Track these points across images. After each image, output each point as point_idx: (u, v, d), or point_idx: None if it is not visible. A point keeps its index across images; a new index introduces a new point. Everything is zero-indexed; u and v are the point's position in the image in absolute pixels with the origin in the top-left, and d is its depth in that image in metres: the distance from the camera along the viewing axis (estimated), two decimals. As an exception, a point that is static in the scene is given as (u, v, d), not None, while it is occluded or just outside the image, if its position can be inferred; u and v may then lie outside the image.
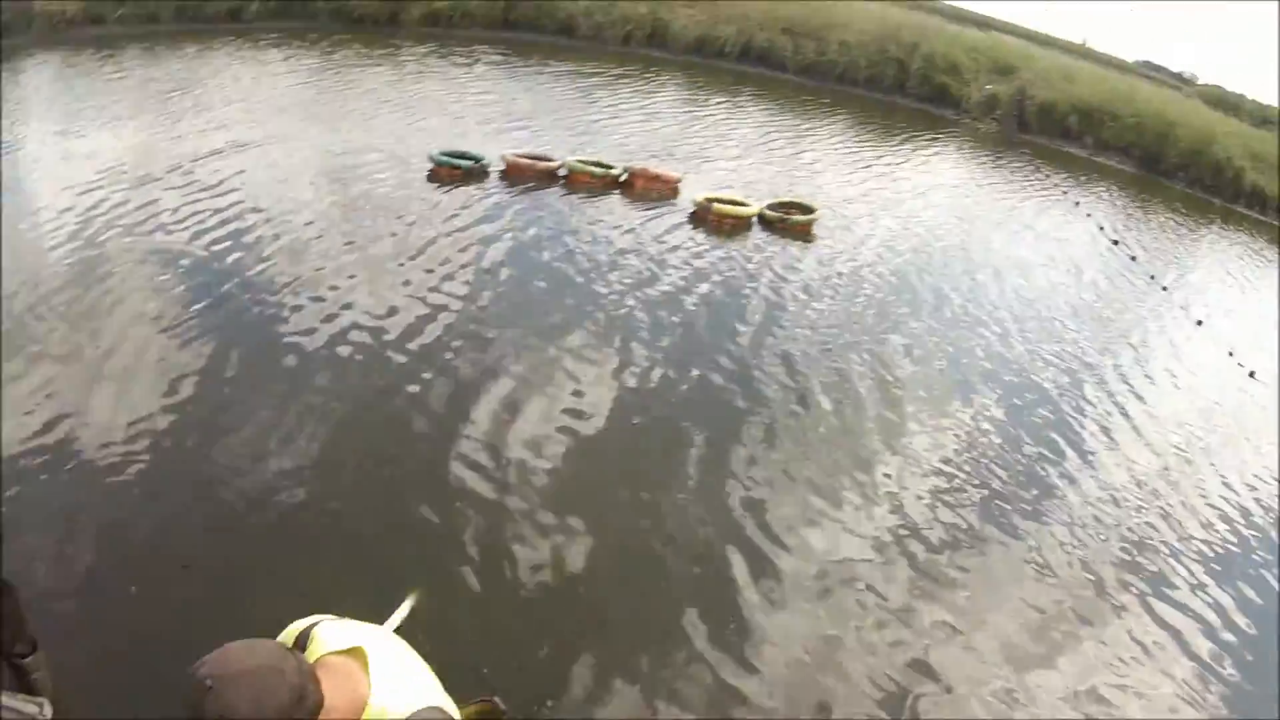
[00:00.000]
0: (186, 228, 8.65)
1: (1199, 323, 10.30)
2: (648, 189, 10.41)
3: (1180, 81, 36.50)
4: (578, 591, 4.73)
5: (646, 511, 5.26)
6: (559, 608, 4.64)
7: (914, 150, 15.90)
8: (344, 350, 6.67)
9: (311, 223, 8.86)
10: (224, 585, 4.63)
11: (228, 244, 8.31)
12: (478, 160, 10.47)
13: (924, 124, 18.50)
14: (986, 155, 17.06)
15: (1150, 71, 37.12)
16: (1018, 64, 21.70)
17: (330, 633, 2.15)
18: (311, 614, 2.12)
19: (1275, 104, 31.22)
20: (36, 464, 5.30)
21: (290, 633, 2.22)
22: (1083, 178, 16.98)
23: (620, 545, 5.00)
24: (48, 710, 3.28)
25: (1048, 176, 16.14)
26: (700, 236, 9.34)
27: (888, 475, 6.00)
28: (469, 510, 5.17)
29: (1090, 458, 6.86)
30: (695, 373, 6.72)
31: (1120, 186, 17.22)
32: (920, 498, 5.85)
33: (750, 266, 8.82)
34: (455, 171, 10.25)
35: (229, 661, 1.84)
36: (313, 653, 2.07)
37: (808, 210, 10.27)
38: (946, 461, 6.30)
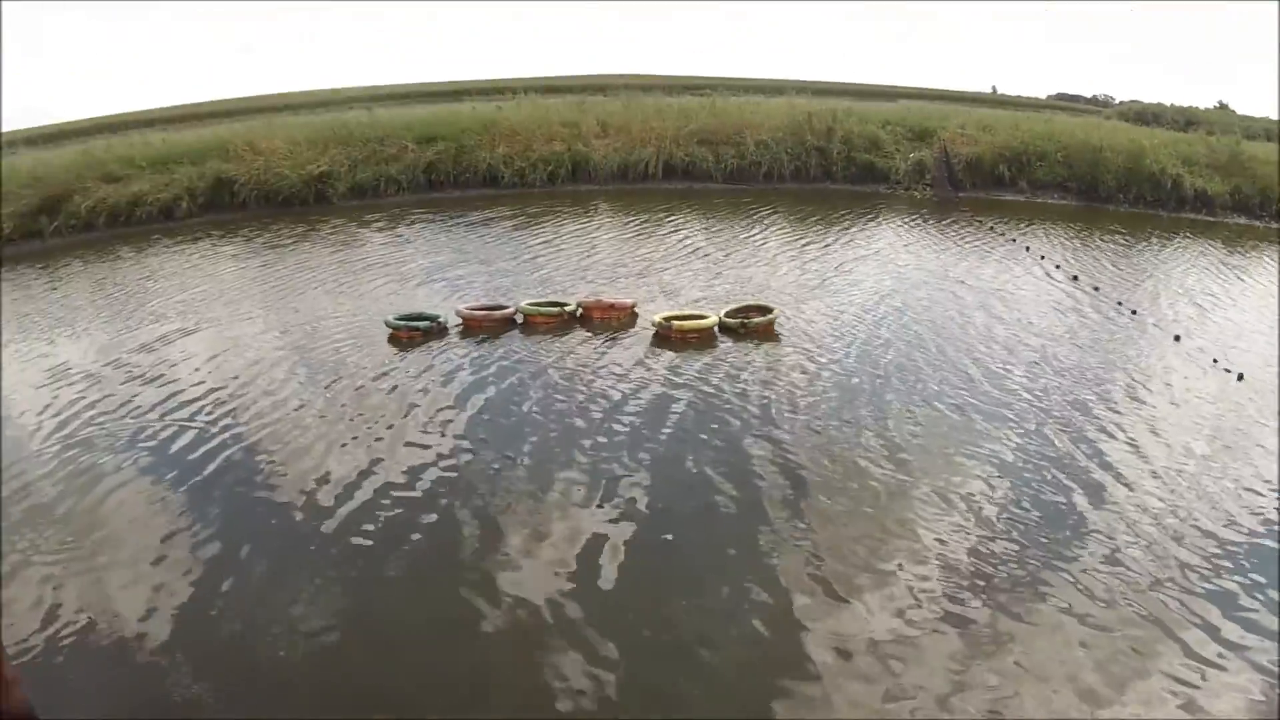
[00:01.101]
0: (161, 414, 8.90)
1: (1177, 338, 10.24)
2: (605, 318, 10.42)
3: (1097, 105, 37.43)
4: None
5: (679, 621, 5.21)
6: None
7: (858, 230, 16.04)
8: (347, 510, 6.73)
9: (281, 395, 9.06)
10: None
11: (206, 423, 8.54)
12: (434, 319, 10.49)
13: (861, 203, 18.73)
14: (928, 220, 17.21)
15: (1065, 103, 38.08)
16: (933, 125, 22.09)
17: None
18: None
19: (1195, 104, 32.05)
20: (63, 651, 5.45)
21: None
22: (1025, 222, 17.13)
23: (656, 661, 4.92)
24: None
25: (991, 227, 16.30)
26: (667, 355, 9.33)
27: (918, 538, 5.98)
28: (493, 647, 5.13)
29: (1109, 489, 6.75)
30: (698, 481, 6.77)
31: (1064, 222, 17.37)
32: (951, 557, 5.80)
33: (721, 375, 8.80)
34: (414, 333, 10.28)
35: None
36: None
37: (766, 310, 10.28)
38: (970, 518, 6.24)
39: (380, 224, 17.23)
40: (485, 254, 14.44)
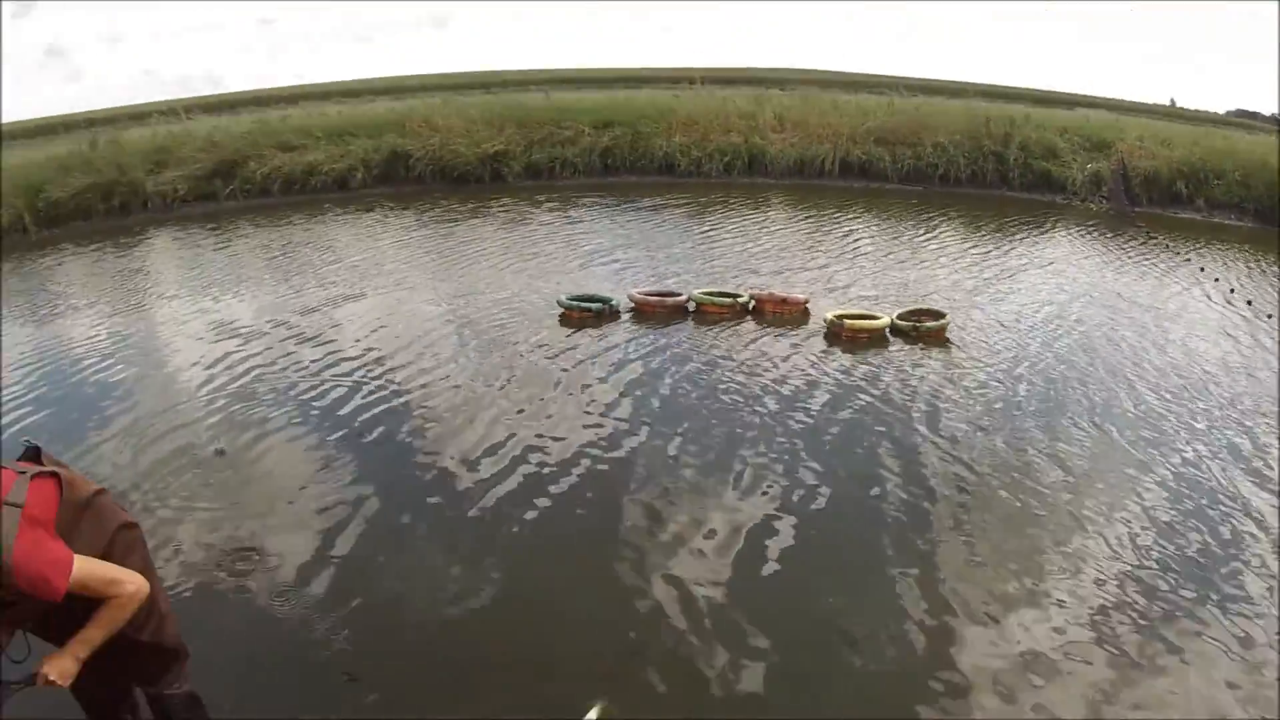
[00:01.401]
0: (322, 372, 9.35)
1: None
2: (777, 312, 10.46)
3: (1277, 124, 35.80)
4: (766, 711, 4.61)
5: (831, 620, 5.21)
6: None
7: (1029, 238, 15.64)
8: (508, 481, 6.88)
9: (443, 363, 9.39)
10: (391, 694, 4.81)
11: (372, 388, 8.86)
12: (606, 302, 10.66)
13: (1034, 211, 18.23)
14: (1102, 233, 16.58)
15: (1244, 119, 36.53)
16: (1111, 137, 21.32)
17: None
18: None
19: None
20: (216, 592, 5.69)
21: None
22: (1200, 242, 16.27)
23: (805, 656, 4.91)
24: None
25: (1167, 245, 15.62)
26: (837, 353, 9.32)
27: (1076, 558, 5.85)
28: (646, 628, 5.19)
29: (1272, 527, 6.40)
30: (863, 481, 6.72)
31: (1240, 244, 16.45)
32: (1105, 582, 5.65)
33: (892, 376, 8.75)
34: (586, 314, 10.46)
35: None
36: None
37: (938, 315, 10.15)
38: (1127, 544, 6.07)
39: (552, 205, 17.62)
40: (654, 240, 14.67)
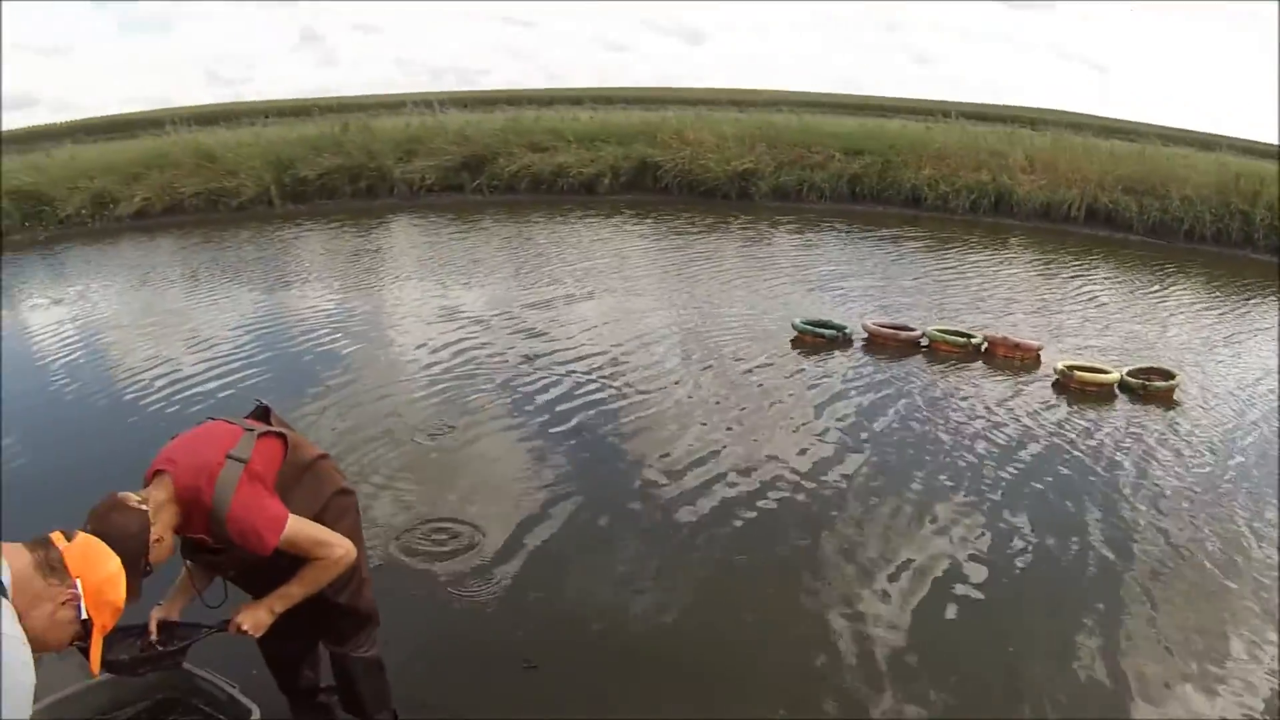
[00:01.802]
0: (543, 370, 9.90)
1: None
2: (1009, 357, 10.56)
3: None
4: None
5: (1004, 671, 5.18)
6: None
7: (1267, 306, 15.00)
8: (710, 496, 7.07)
9: (663, 370, 9.88)
10: (567, 688, 4.98)
11: (589, 387, 9.36)
12: (840, 329, 11.01)
13: (1275, 277, 17.27)
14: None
15: None
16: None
17: None
18: None
19: None
20: (406, 567, 6.09)
21: None
22: None
23: (971, 705, 4.87)
24: None
25: None
26: (1061, 405, 9.32)
27: (1257, 645, 5.52)
28: (824, 658, 5.20)
29: None
30: (1061, 536, 6.61)
31: None
32: None
33: (1109, 434, 8.70)
34: (819, 339, 10.84)
35: None
36: None
37: (1169, 375, 10.02)
38: None
39: (792, 226, 18.16)
40: (887, 271, 14.99)
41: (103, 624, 2.70)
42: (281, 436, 3.64)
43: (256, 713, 3.78)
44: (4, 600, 2.38)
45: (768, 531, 6.63)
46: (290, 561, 3.57)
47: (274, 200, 21.07)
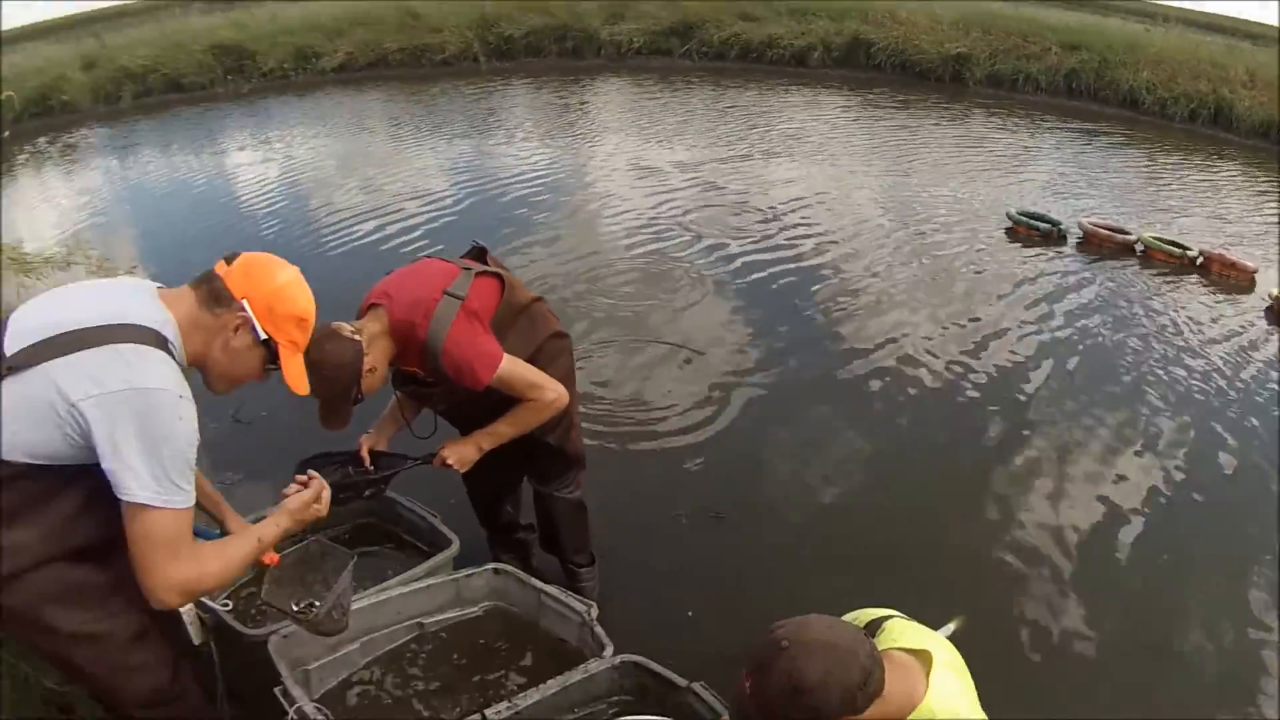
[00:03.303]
0: (745, 238, 10.08)
1: None
2: (1224, 274, 10.28)
3: None
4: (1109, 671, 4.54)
5: (1168, 597, 5.11)
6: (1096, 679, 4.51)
7: None
8: (902, 380, 7.22)
9: (871, 254, 9.92)
10: (751, 541, 5.31)
11: (789, 254, 9.59)
12: (1055, 225, 10.93)
13: None
14: None
15: None
16: None
17: (902, 630, 2.32)
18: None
19: None
20: (606, 416, 6.43)
21: (861, 616, 2.42)
22: None
23: (1143, 632, 4.85)
24: (594, 612, 3.52)
25: None
26: (1275, 336, 8.92)
27: None
28: (1016, 559, 5.27)
29: None
30: (1241, 481, 6.32)
31: None
32: None
33: None
34: (1032, 232, 10.80)
35: (810, 630, 1.99)
36: (881, 643, 2.20)
37: None
38: None
39: (1004, 115, 17.78)
40: (1100, 172, 14.59)
41: (289, 339, 2.68)
42: (498, 277, 3.69)
43: (456, 544, 3.99)
44: (153, 351, 2.38)
45: (957, 422, 6.74)
46: (500, 400, 3.63)
47: (478, 57, 21.58)
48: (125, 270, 9.21)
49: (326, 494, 2.97)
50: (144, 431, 2.28)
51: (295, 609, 3.00)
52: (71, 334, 2.29)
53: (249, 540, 2.68)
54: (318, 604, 2.96)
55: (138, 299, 2.50)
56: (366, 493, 3.72)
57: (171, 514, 2.34)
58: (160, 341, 2.41)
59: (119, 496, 2.32)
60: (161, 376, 2.36)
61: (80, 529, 2.49)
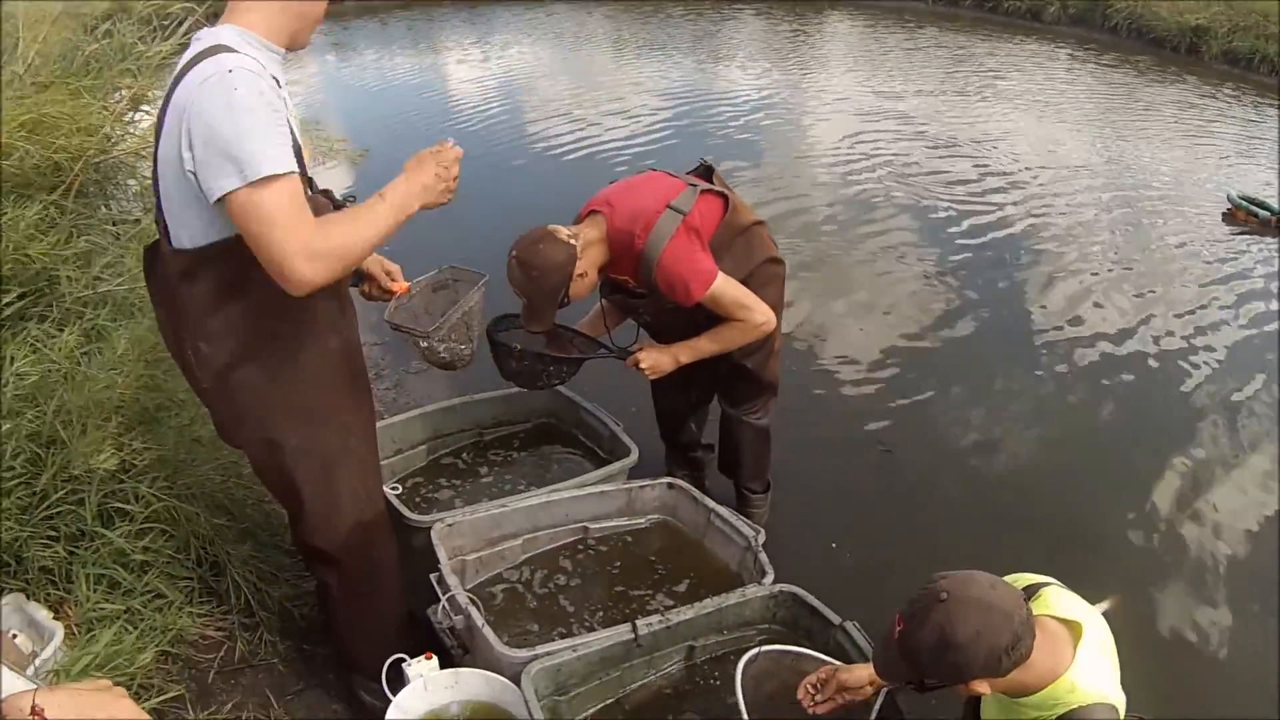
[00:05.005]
0: (955, 188, 9.98)
1: None
2: None
3: None
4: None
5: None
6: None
7: None
8: (1080, 352, 7.01)
9: (1082, 218, 9.66)
10: (917, 476, 5.39)
11: (995, 213, 9.40)
12: (1275, 212, 10.27)
13: None
14: None
15: None
16: None
17: (1058, 598, 2.31)
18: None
19: None
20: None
21: (1021, 579, 2.39)
22: None
23: None
24: (762, 537, 3.53)
25: None
26: None
27: None
28: (1162, 542, 5.10)
29: None
30: None
31: None
32: None
33: None
34: (1251, 218, 10.24)
35: (971, 587, 2.01)
36: (1035, 609, 2.19)
37: None
38: None
39: (1236, 94, 17.05)
40: None
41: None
42: (723, 196, 3.64)
43: (635, 453, 3.96)
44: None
45: (1124, 403, 6.52)
46: (706, 318, 3.63)
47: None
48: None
49: (457, 166, 2.56)
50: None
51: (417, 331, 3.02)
52: None
53: (370, 201, 2.39)
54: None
55: None
56: (562, 370, 3.67)
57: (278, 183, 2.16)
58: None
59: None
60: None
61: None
